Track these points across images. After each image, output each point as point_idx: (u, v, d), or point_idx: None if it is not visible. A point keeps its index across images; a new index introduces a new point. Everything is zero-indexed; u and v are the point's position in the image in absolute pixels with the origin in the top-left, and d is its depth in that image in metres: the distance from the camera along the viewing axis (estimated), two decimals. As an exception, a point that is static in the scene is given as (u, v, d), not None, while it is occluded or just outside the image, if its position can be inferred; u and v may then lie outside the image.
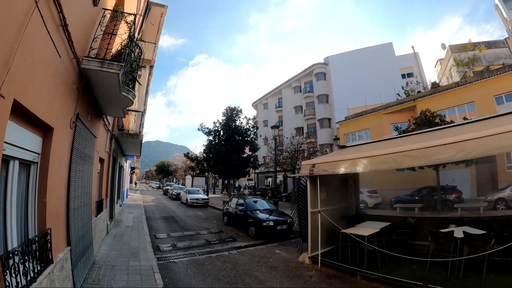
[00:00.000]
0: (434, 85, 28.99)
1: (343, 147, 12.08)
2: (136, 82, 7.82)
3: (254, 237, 13.37)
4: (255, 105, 66.05)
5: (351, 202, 11.60)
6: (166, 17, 16.03)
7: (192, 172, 48.75)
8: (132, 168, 46.34)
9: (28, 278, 3.68)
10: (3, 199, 3.68)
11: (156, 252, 10.38)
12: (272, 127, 21.14)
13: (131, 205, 25.42)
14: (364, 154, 7.74)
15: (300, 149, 34.85)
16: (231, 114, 30.74)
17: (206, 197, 30.04)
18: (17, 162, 3.94)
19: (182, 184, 60.59)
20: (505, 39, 25.50)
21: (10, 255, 3.32)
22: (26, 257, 3.74)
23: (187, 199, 28.87)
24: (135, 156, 29.79)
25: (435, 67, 47.11)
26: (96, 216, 9.62)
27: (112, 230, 13.33)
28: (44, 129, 4.59)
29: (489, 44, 34.81)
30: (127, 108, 11.94)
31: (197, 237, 13.56)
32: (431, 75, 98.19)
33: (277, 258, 10.06)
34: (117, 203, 17.95)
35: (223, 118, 30.96)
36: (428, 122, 18.06)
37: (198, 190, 32.55)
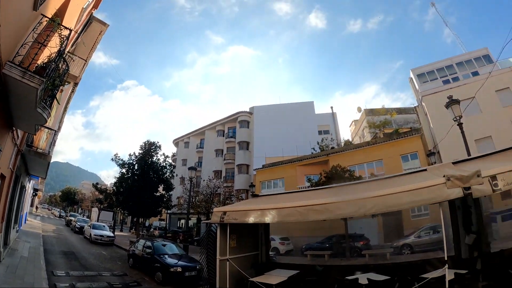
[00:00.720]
0: (347, 142, 32.40)
1: (256, 196, 12.34)
2: (55, 100, 7.33)
3: (160, 283, 12.92)
4: (176, 142, 65.37)
5: (261, 250, 11.58)
6: (105, 34, 15.52)
7: (99, 205, 45.90)
8: (35, 190, 42.23)
9: None
10: None
11: (52, 291, 9.53)
12: (190, 168, 21.21)
13: (28, 233, 23.35)
14: (272, 205, 7.94)
15: (216, 192, 34.82)
16: (149, 148, 30.22)
17: (112, 234, 28.26)
18: None
19: (87, 217, 56.45)
20: (415, 107, 29.76)
21: None
22: None
23: (91, 234, 26.69)
24: (40, 177, 27.24)
25: (350, 126, 53.30)
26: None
27: (5, 259, 12.12)
28: None
29: (401, 110, 41.21)
30: (40, 125, 11.08)
31: (98, 278, 12.72)
32: (345, 133, 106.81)
33: None
34: (13, 228, 16.53)
35: (140, 151, 30.32)
36: (338, 176, 19.75)
37: (104, 226, 30.39)
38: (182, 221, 52.83)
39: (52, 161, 15.27)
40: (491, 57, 29.31)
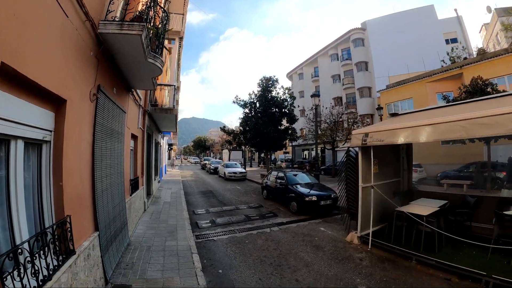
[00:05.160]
0: (481, 51, 27.29)
1: (395, 115, 10.85)
2: (164, 48, 7.36)
3: (295, 213, 13.20)
4: (289, 75, 65.48)
5: (403, 177, 10.94)
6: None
7: (229, 146, 49.40)
8: (170, 145, 47.11)
9: (41, 277, 3.28)
10: (6, 186, 3.26)
11: (195, 229, 10.44)
12: (312, 96, 20.52)
13: (169, 181, 26.28)
14: (427, 121, 6.96)
15: (340, 120, 33.93)
16: (267, 84, 30.28)
17: (244, 170, 31.31)
18: (20, 142, 3.48)
19: (219, 159, 61.86)
20: None
21: (11, 255, 2.88)
22: (37, 254, 3.30)
23: (225, 173, 30.10)
24: (171, 133, 30.02)
25: (480, 32, 44.73)
26: (130, 195, 9.60)
27: (149, 207, 13.59)
28: (55, 102, 4.14)
29: None
30: (159, 83, 11.65)
31: (236, 212, 13.65)
32: (476, 40, 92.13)
33: (322, 236, 9.79)
34: (154, 179, 18.31)
35: (259, 89, 30.69)
36: (480, 90, 16.97)
37: (236, 164, 33.82)
38: (306, 152, 55.43)
39: (179, 119, 16.15)
40: None
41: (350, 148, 9.59)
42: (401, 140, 7.37)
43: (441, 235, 7.28)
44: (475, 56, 27.33)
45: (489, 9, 37.51)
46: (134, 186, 10.57)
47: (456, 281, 6.09)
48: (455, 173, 19.51)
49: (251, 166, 53.76)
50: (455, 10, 45.00)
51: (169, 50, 12.01)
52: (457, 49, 31.88)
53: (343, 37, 47.64)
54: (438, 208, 7.83)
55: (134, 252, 7.50)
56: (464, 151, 20.05)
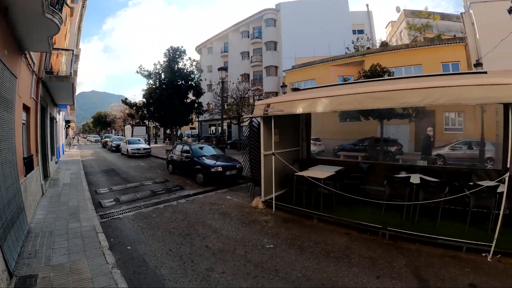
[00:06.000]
0: (384, 43, 30.30)
1: (297, 89, 11.59)
2: (65, 6, 6.72)
3: (202, 184, 13.59)
4: (199, 49, 64.35)
5: (302, 146, 12.01)
6: None
7: (131, 121, 47.19)
8: (67, 122, 43.46)
9: None
10: None
11: (98, 209, 9.96)
12: (219, 69, 19.84)
13: (68, 162, 24.34)
14: (325, 94, 7.72)
15: (246, 96, 34.44)
16: (174, 55, 29.49)
17: (148, 146, 30.32)
18: None
19: (122, 135, 58.62)
20: (461, 14, 26.16)
21: None
22: None
23: (127, 149, 28.80)
24: (68, 107, 27.53)
25: (386, 28, 50.00)
26: (25, 176, 8.65)
27: (48, 190, 12.47)
28: None
29: (443, 16, 37.40)
30: (56, 47, 10.47)
31: (141, 188, 13.35)
32: (381, 35, 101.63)
33: (229, 204, 10.29)
34: (51, 159, 16.89)
35: (165, 59, 29.81)
36: (378, 76, 18.48)
37: (139, 140, 32.59)
38: (213, 128, 55.86)
39: (77, 92, 14.77)
40: None
41: (253, 119, 10.02)
42: (299, 110, 8.03)
43: (338, 196, 8.11)
44: (378, 47, 30.39)
45: (398, 9, 41.79)
46: (29, 165, 9.52)
47: (356, 234, 7.03)
48: (351, 146, 21.69)
49: (156, 143, 52.17)
50: (367, 5, 48.84)
51: (71, 10, 10.98)
52: (362, 39, 35.15)
53: (256, 16, 48.20)
54: (334, 173, 8.84)
55: (36, 239, 6.95)
56: (360, 128, 22.15)
